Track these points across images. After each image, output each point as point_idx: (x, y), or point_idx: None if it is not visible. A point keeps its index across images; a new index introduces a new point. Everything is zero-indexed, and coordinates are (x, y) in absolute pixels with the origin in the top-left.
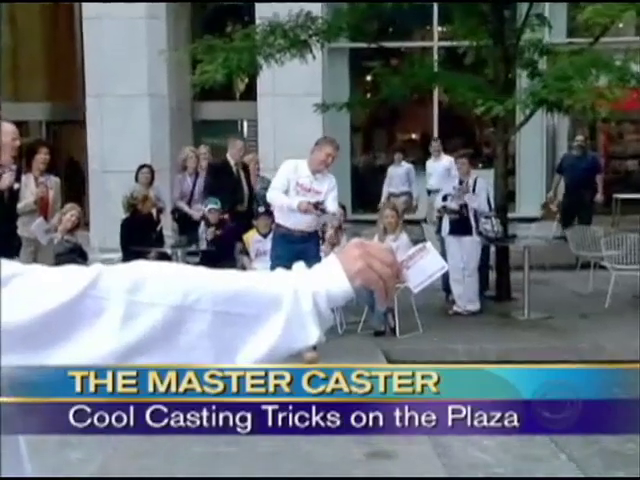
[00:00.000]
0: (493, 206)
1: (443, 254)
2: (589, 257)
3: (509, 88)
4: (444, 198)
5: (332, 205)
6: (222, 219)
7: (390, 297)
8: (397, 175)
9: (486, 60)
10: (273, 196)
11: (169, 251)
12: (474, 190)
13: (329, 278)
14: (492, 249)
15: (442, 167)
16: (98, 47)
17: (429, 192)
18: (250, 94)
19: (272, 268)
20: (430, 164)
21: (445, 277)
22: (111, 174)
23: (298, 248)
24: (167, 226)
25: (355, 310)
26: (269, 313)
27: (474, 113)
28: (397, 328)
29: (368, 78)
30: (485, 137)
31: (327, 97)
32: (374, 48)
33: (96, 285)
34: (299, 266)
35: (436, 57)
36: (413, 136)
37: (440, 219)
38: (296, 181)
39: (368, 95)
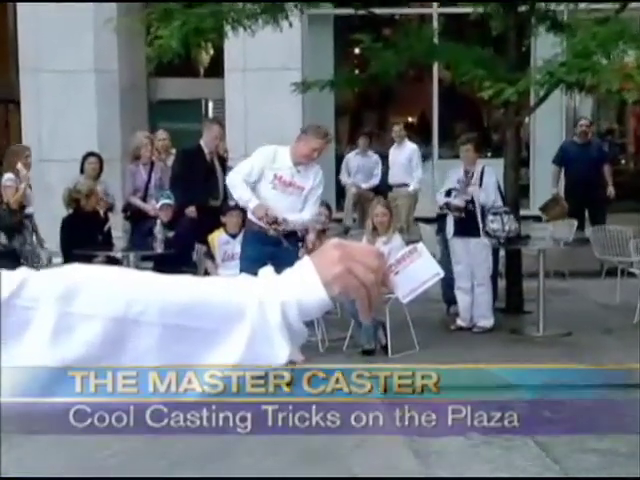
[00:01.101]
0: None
1: (447, 259)
2: (616, 262)
3: (522, 63)
4: (447, 193)
5: (309, 211)
6: (178, 217)
7: (374, 308)
8: (362, 166)
9: (495, 30)
10: (234, 182)
11: (119, 255)
12: (481, 182)
13: (301, 285)
14: (501, 253)
15: (404, 157)
16: (34, 13)
17: (390, 187)
18: (216, 69)
19: (241, 272)
20: (391, 153)
21: (446, 285)
22: (51, 163)
23: (271, 250)
24: (117, 226)
25: (340, 324)
26: (229, 327)
27: (483, 96)
28: (389, 346)
29: (356, 51)
30: (494, 120)
31: (308, 73)
32: (363, 15)
33: (20, 293)
34: (266, 271)
35: (436, 26)
36: (409, 119)
37: (442, 217)
38: (274, 173)
39: (356, 71)
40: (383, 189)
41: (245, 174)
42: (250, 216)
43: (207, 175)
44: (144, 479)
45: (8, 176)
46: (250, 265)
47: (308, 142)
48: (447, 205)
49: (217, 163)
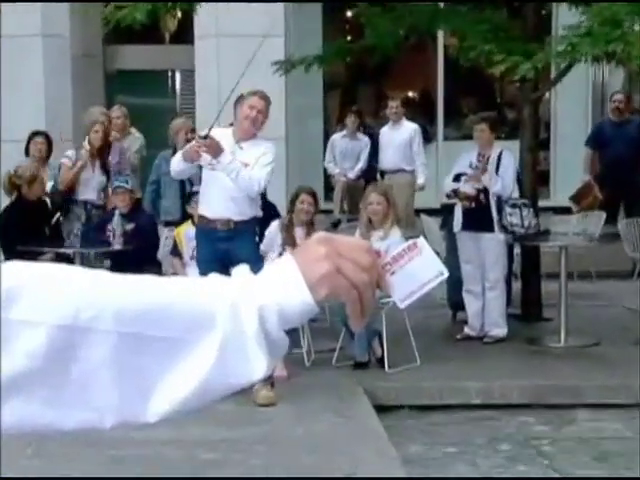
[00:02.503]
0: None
1: (453, 257)
2: None
3: (541, 31)
4: (456, 178)
5: (255, 171)
6: (136, 205)
7: (367, 314)
8: (349, 150)
9: None
10: (173, 165)
11: (70, 252)
12: (497, 168)
13: (282, 287)
14: (516, 250)
15: (400, 138)
16: None
17: (382, 174)
18: (185, 36)
19: (201, 276)
20: (385, 133)
21: (452, 287)
22: None
23: (224, 248)
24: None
25: (328, 333)
26: (196, 337)
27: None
28: (386, 358)
29: (348, 15)
30: (508, 96)
31: (292, 41)
32: None
33: None
34: (241, 271)
35: None
36: (410, 94)
37: (448, 208)
38: None
39: (348, 38)
40: (372, 176)
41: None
42: (200, 211)
43: None
44: (145, 479)
45: None
46: (207, 267)
47: (244, 102)
48: (455, 192)
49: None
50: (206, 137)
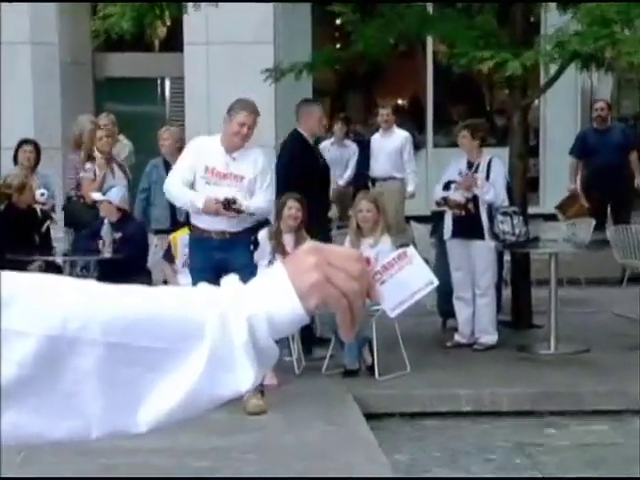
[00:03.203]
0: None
1: (443, 264)
2: None
3: (529, 36)
4: (446, 186)
5: (261, 197)
6: (126, 214)
7: (357, 324)
8: (338, 158)
9: None
10: (172, 191)
11: (59, 260)
12: (488, 176)
13: (272, 296)
14: (506, 257)
15: (392, 146)
16: None
17: (373, 182)
18: (174, 43)
19: (194, 285)
20: (377, 140)
21: (442, 295)
22: None
23: (218, 257)
24: (57, 226)
25: (318, 342)
26: (185, 347)
27: (482, 70)
28: (376, 366)
29: (337, 22)
30: (498, 103)
31: (281, 48)
32: None
33: None
34: (230, 280)
35: None
36: (399, 102)
37: (438, 216)
38: (205, 166)
39: (337, 46)
40: (363, 183)
41: (178, 181)
42: (193, 221)
43: (316, 168)
44: (153, 479)
45: None
46: (200, 276)
47: (233, 118)
48: (445, 200)
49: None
50: (229, 205)
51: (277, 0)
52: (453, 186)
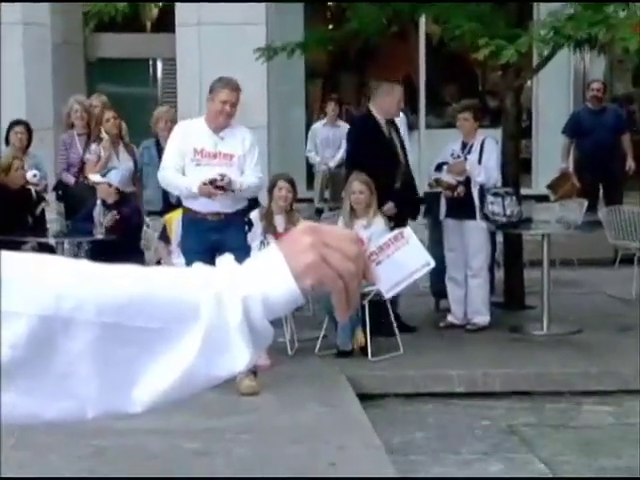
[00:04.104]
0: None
1: (436, 245)
2: (633, 248)
3: (523, 18)
4: (438, 167)
5: (251, 175)
6: (123, 195)
7: (353, 305)
8: (330, 139)
9: None
10: (166, 179)
11: (52, 241)
12: (480, 156)
13: (267, 276)
14: (499, 238)
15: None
16: None
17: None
18: (166, 24)
19: (187, 267)
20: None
21: (435, 276)
22: None
23: (213, 239)
24: (51, 208)
25: (312, 323)
26: (180, 328)
27: (477, 57)
28: (369, 347)
29: (329, 3)
30: (490, 84)
31: (273, 29)
32: None
33: None
34: (225, 260)
35: None
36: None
37: (431, 196)
38: (193, 148)
39: (330, 27)
40: None
41: (171, 166)
42: (187, 203)
43: (388, 153)
44: (146, 479)
45: None
46: (194, 258)
47: (215, 97)
48: (437, 181)
49: (394, 135)
50: (215, 184)
51: (270, 0)
52: (444, 168)
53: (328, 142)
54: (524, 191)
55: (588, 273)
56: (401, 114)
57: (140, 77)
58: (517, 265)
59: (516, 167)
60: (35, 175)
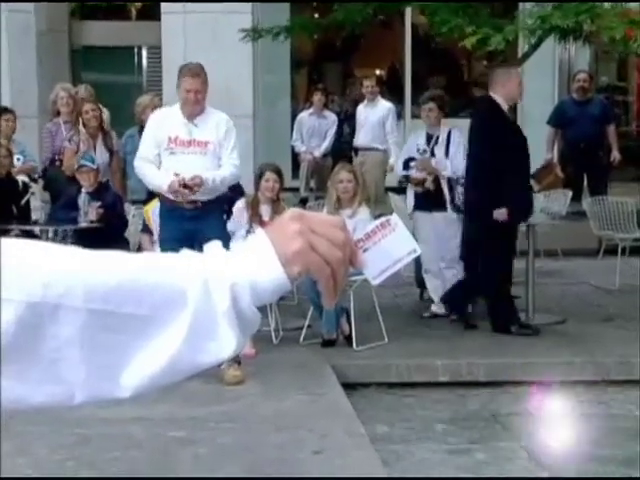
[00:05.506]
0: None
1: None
2: (616, 239)
3: (509, 8)
4: (406, 164)
5: (227, 163)
6: (103, 183)
7: (340, 292)
8: (316, 128)
9: None
10: (141, 170)
11: (37, 229)
12: (447, 147)
13: (255, 263)
14: None
15: (376, 117)
16: None
17: (356, 151)
18: (151, 11)
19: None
20: (361, 111)
21: (419, 266)
22: None
23: (190, 228)
24: (37, 196)
25: (296, 312)
26: (167, 314)
27: (465, 46)
28: (354, 336)
29: None
30: (476, 74)
31: (259, 17)
32: None
33: None
34: (212, 246)
35: None
36: (377, 72)
37: (404, 190)
38: (167, 136)
39: (316, 16)
40: (345, 153)
41: (146, 155)
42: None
43: (509, 137)
44: (149, 479)
45: None
46: (171, 247)
47: (180, 86)
48: (407, 178)
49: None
50: (186, 186)
51: (261, 0)
52: (412, 164)
53: (314, 131)
54: None
55: (572, 263)
56: (389, 104)
57: (125, 65)
58: None
59: None
60: (19, 159)
